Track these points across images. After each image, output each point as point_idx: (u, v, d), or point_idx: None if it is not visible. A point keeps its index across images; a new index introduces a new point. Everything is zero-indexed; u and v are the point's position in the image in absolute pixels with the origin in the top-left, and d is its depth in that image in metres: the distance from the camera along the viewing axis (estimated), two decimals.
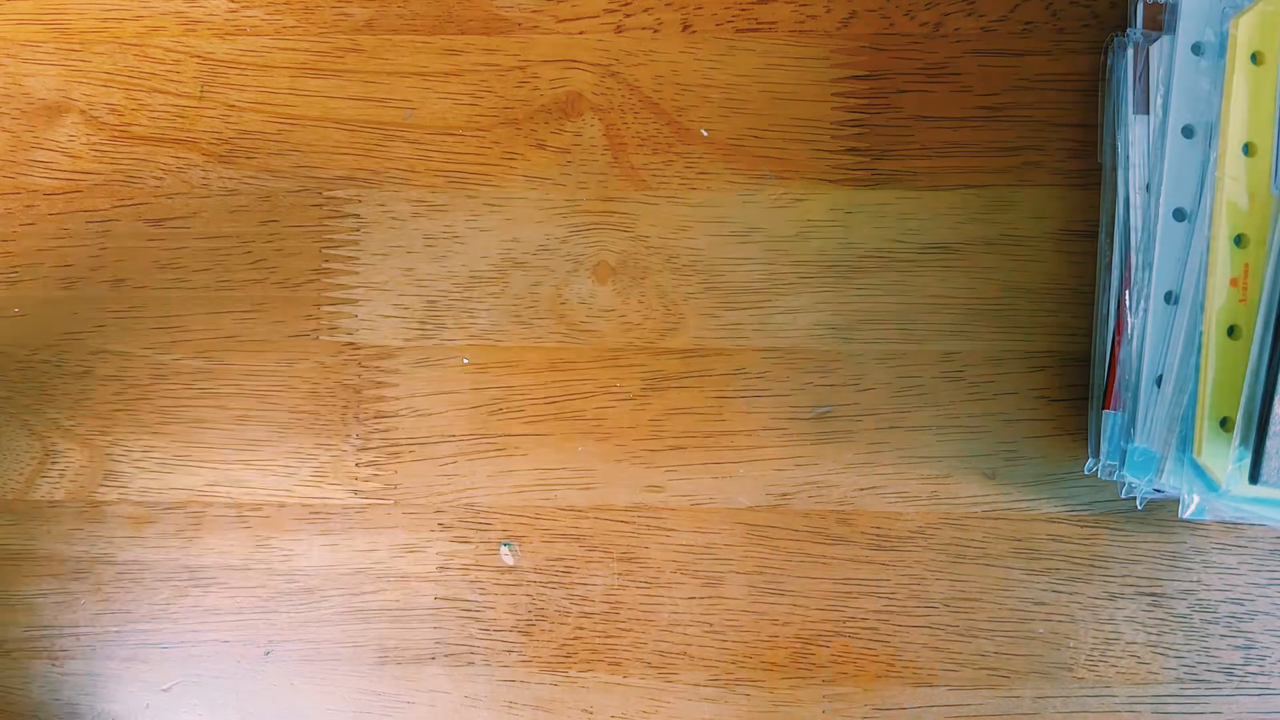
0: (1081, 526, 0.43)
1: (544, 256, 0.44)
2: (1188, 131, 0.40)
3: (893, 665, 0.43)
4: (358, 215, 0.45)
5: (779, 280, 0.44)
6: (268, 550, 0.45)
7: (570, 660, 0.44)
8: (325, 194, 0.45)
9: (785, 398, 0.44)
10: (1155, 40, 0.40)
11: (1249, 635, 0.43)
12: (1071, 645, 0.43)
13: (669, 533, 0.44)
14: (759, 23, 0.44)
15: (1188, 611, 0.43)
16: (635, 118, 0.44)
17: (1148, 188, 0.40)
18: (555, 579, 0.44)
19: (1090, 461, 0.42)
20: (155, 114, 0.45)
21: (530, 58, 0.45)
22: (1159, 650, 0.43)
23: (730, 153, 0.44)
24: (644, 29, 0.44)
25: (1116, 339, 0.40)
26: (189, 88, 0.45)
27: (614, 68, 0.44)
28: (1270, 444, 0.36)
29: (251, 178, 0.45)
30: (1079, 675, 0.43)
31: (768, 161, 0.44)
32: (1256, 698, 0.43)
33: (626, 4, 0.45)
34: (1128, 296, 0.40)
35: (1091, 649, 0.43)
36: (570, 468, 0.44)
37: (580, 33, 0.45)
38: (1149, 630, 0.43)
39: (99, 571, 0.45)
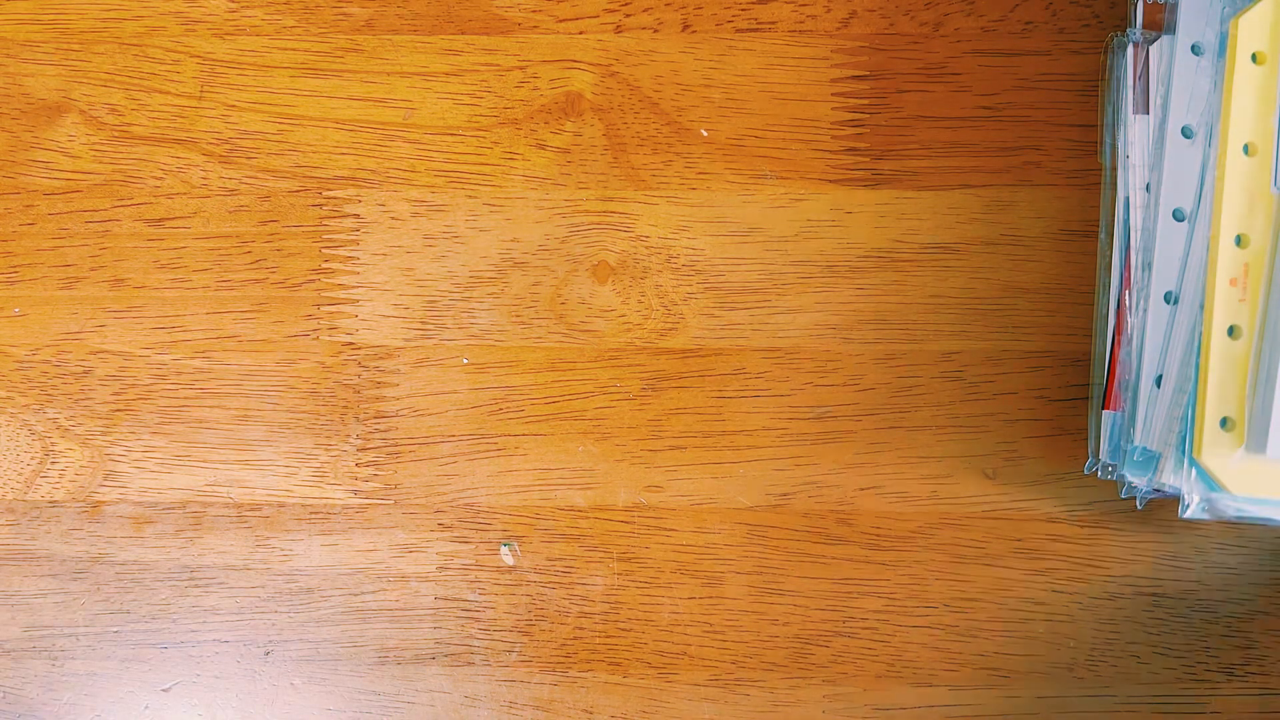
0: (1081, 526, 0.43)
1: (544, 256, 0.44)
2: (1187, 131, 0.40)
3: (893, 665, 0.43)
4: (357, 215, 0.45)
5: (779, 280, 0.44)
6: (268, 550, 0.45)
7: (570, 660, 0.44)
8: (325, 194, 0.45)
9: (785, 398, 0.44)
10: (1155, 40, 0.40)
11: (1249, 635, 0.43)
12: (1071, 645, 0.43)
13: (669, 533, 0.44)
14: (759, 23, 0.44)
15: (1188, 611, 0.43)
16: (635, 118, 0.44)
17: (1148, 188, 0.40)
18: (555, 579, 0.44)
19: (1090, 461, 0.42)
20: (155, 114, 0.45)
21: (530, 58, 0.45)
22: (1159, 650, 0.43)
23: (730, 153, 0.44)
24: (644, 29, 0.44)
25: (1116, 339, 0.40)
26: (189, 88, 0.45)
27: (614, 68, 0.44)
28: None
29: (251, 178, 0.45)
30: (1079, 675, 0.43)
31: (768, 161, 0.44)
32: (1256, 698, 0.43)
33: (626, 4, 0.45)
34: (1128, 296, 0.40)
35: (1091, 649, 0.43)
36: (570, 468, 0.44)
37: (580, 33, 0.45)
38: (1149, 630, 0.43)
39: (98, 571, 0.45)
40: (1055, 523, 0.43)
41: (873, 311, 0.44)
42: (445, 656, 0.44)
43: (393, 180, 0.45)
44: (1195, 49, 0.40)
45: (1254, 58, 0.38)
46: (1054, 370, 0.43)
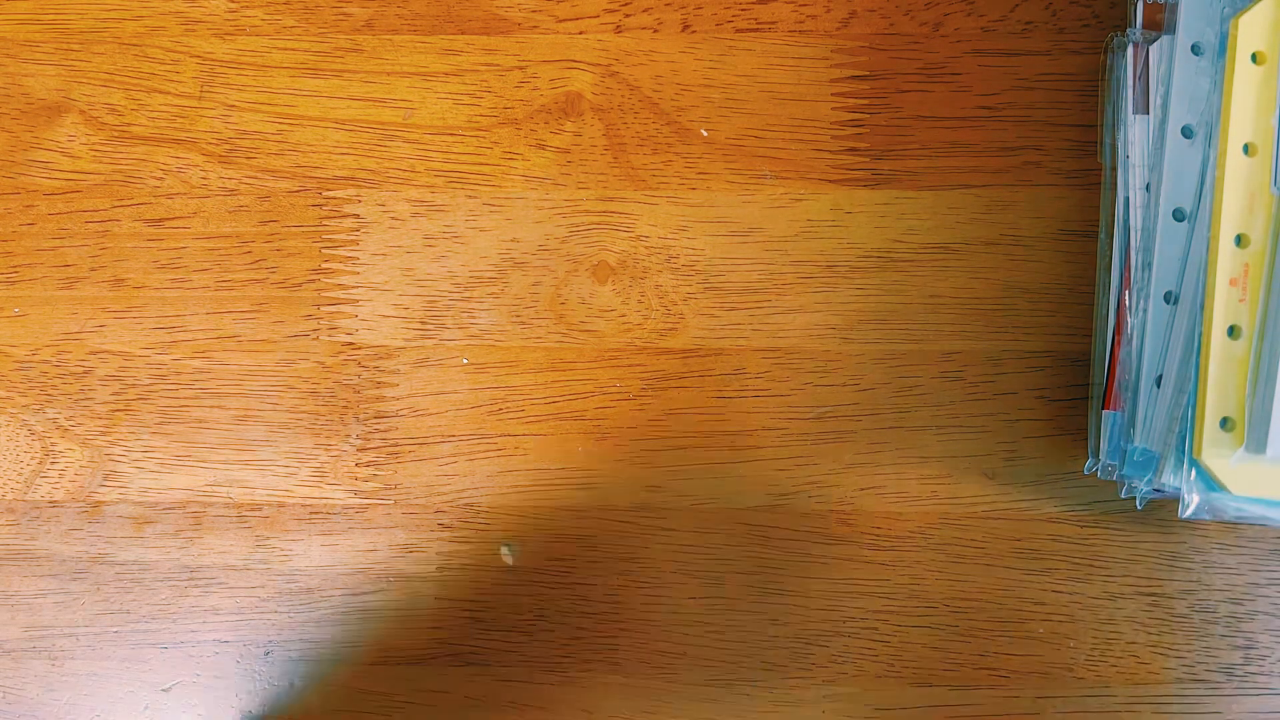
0: (1081, 526, 0.43)
1: (544, 256, 0.44)
2: (1187, 131, 0.40)
3: (893, 665, 0.43)
4: (357, 215, 0.45)
5: (779, 280, 0.44)
6: (268, 550, 0.45)
7: (570, 660, 0.44)
8: (325, 194, 0.45)
9: (785, 398, 0.44)
10: (1155, 40, 0.40)
11: (1249, 635, 0.43)
12: (1071, 645, 0.43)
13: (669, 533, 0.44)
14: (759, 23, 0.44)
15: (1188, 611, 0.43)
16: (635, 118, 0.44)
17: (1148, 188, 0.40)
18: (555, 579, 0.44)
19: (1090, 461, 0.42)
20: (155, 114, 0.45)
21: (530, 58, 0.45)
22: (1159, 650, 0.43)
23: (730, 153, 0.44)
24: (644, 29, 0.44)
25: (1116, 339, 0.40)
26: (189, 88, 0.45)
27: (614, 68, 0.44)
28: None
29: (251, 178, 0.45)
30: (1079, 675, 0.43)
31: (768, 161, 0.44)
32: (1256, 698, 0.43)
33: (626, 4, 0.45)
34: (1128, 296, 0.40)
35: (1091, 649, 0.43)
36: (570, 468, 0.44)
37: (580, 33, 0.45)
38: (1149, 630, 0.43)
39: (98, 571, 0.45)
40: (1055, 523, 0.43)
41: (873, 311, 0.44)
42: (445, 656, 0.44)
43: (393, 180, 0.45)
44: (1195, 49, 0.40)
45: (1254, 58, 0.38)
46: (1054, 370, 0.43)
